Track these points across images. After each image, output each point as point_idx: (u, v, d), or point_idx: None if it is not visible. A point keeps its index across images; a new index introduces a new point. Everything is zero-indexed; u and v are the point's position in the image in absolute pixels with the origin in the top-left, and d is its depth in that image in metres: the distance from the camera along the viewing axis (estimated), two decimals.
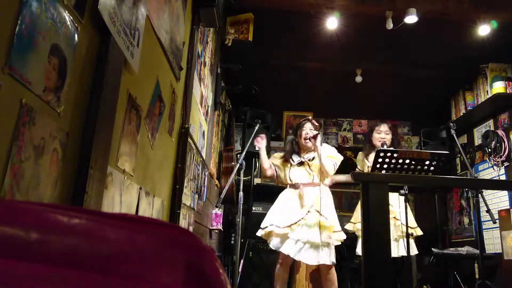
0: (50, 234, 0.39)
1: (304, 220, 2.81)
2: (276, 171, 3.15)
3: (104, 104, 1.20)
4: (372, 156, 3.29)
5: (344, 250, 3.90)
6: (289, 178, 3.05)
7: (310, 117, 3.24)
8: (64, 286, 0.36)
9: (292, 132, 3.25)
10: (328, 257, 2.82)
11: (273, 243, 2.88)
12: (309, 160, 3.04)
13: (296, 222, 2.80)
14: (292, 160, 3.08)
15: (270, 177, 3.29)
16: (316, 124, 3.13)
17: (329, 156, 3.00)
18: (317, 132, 3.00)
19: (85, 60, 1.14)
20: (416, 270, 4.68)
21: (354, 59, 4.58)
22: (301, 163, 3.05)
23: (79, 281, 0.37)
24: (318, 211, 2.83)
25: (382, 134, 3.31)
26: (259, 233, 3.00)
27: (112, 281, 0.38)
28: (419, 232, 3.23)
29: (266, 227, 2.92)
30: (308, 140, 3.02)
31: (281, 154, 3.21)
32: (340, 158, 3.09)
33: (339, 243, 2.93)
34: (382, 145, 3.22)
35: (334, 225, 2.88)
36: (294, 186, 3.01)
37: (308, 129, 3.05)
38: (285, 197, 3.01)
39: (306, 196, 2.90)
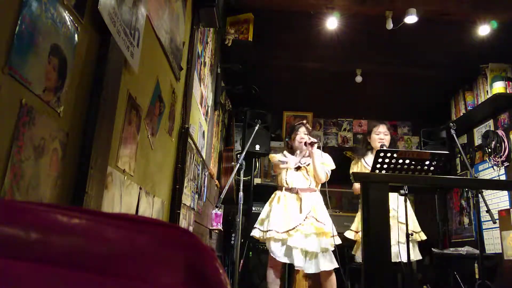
0: (50, 234, 0.39)
1: (302, 226, 2.82)
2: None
3: (104, 104, 1.20)
4: (369, 157, 3.26)
5: (345, 251, 3.89)
6: (286, 181, 3.06)
7: (304, 121, 3.28)
8: (64, 286, 0.36)
9: (286, 135, 3.31)
10: (329, 263, 2.83)
11: (275, 251, 2.85)
12: (306, 165, 3.07)
13: (294, 228, 2.82)
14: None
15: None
16: (310, 128, 3.21)
17: (322, 163, 3.05)
18: (316, 141, 3.03)
19: (85, 60, 1.14)
20: (416, 270, 4.68)
21: (354, 59, 4.57)
22: (298, 168, 3.08)
23: (79, 281, 0.37)
24: (315, 218, 2.85)
25: (381, 135, 3.25)
26: (257, 233, 3.01)
27: (112, 281, 0.38)
28: (423, 236, 3.14)
29: (266, 231, 2.92)
30: (303, 144, 3.05)
31: (278, 155, 3.22)
32: (332, 166, 3.12)
33: (333, 248, 2.90)
34: (382, 146, 3.15)
35: (331, 231, 2.87)
36: (291, 190, 3.02)
37: (303, 133, 3.11)
38: (282, 201, 3.01)
39: (304, 201, 2.93)
